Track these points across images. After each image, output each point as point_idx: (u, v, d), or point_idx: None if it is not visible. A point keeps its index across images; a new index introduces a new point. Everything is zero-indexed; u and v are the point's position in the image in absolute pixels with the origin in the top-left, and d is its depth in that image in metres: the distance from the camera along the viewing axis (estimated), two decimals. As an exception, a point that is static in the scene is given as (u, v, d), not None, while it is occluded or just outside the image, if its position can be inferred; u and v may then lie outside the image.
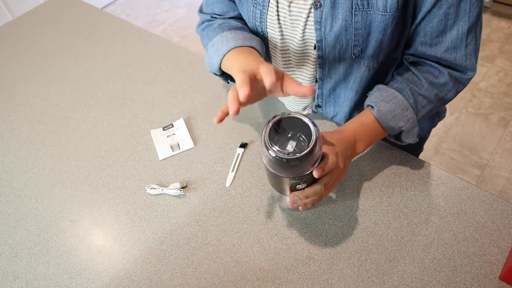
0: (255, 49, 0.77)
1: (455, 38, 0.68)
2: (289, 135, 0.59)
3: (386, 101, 0.72)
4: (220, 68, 0.79)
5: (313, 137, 0.57)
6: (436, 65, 0.72)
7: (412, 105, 0.72)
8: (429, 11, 0.66)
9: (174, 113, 1.01)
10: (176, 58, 1.18)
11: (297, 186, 0.64)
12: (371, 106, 0.74)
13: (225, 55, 0.76)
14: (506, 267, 0.64)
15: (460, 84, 0.74)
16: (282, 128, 0.59)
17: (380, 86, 0.76)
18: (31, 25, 1.43)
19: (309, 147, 0.56)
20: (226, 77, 0.84)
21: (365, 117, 0.74)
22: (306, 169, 0.60)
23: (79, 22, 1.40)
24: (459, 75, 0.72)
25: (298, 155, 0.56)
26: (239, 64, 0.71)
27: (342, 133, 0.72)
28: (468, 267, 0.67)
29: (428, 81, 0.72)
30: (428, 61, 0.73)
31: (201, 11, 0.90)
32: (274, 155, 0.57)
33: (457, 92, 0.75)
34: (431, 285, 0.66)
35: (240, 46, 0.75)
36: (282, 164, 0.58)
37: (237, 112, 0.58)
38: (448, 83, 0.72)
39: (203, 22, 0.88)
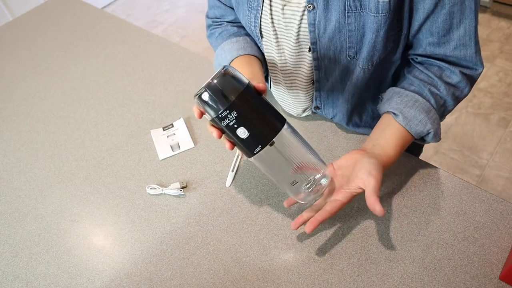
0: (253, 55, 0.82)
1: (463, 36, 0.68)
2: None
3: (409, 106, 0.71)
4: None
5: (221, 70, 0.60)
6: (446, 65, 0.72)
7: (434, 106, 0.71)
8: (431, 12, 0.66)
9: (174, 113, 1.01)
10: (176, 58, 1.18)
11: (237, 132, 0.60)
12: (394, 114, 0.72)
13: None
14: (506, 267, 0.64)
15: (472, 81, 0.74)
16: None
17: (397, 89, 0.75)
18: (31, 25, 1.43)
19: (211, 79, 0.59)
20: None
21: (395, 129, 0.72)
22: (216, 104, 0.59)
23: (79, 22, 1.40)
24: (470, 72, 0.72)
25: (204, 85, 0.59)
26: None
27: (383, 164, 0.69)
28: (468, 267, 0.67)
29: (443, 81, 0.72)
30: (437, 61, 0.73)
31: (207, 16, 0.95)
32: (196, 97, 0.60)
33: (470, 88, 0.75)
34: (431, 285, 0.66)
35: (236, 58, 0.81)
36: (199, 102, 0.60)
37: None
38: (462, 80, 0.72)
39: (208, 28, 0.95)
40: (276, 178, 0.67)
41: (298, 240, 0.73)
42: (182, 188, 0.84)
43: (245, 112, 0.59)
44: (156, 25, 3.06)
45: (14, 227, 0.84)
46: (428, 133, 0.72)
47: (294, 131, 0.65)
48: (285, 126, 0.63)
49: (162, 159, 0.91)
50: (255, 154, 0.62)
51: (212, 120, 0.61)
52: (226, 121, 0.59)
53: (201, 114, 0.62)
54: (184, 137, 0.94)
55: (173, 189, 0.83)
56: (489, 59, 2.31)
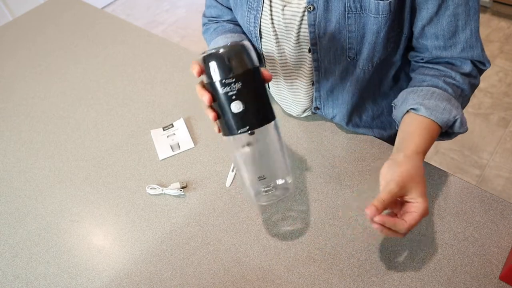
0: None
1: (470, 38, 0.68)
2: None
3: (427, 98, 0.68)
4: None
5: (237, 41, 0.59)
6: (456, 58, 0.71)
7: (452, 95, 0.69)
8: (435, 14, 0.66)
9: (174, 113, 1.01)
10: (176, 58, 1.18)
11: (231, 104, 0.58)
12: (414, 109, 0.69)
13: None
14: (506, 267, 0.64)
15: (481, 73, 0.73)
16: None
17: (410, 89, 0.72)
18: (31, 25, 1.43)
19: (228, 45, 0.58)
20: None
21: (421, 123, 0.67)
22: (228, 67, 0.58)
23: (79, 22, 1.40)
24: (479, 64, 0.72)
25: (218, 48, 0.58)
26: None
27: (414, 162, 0.63)
28: (468, 267, 0.67)
29: (457, 71, 0.70)
30: (446, 58, 0.72)
31: (203, 14, 0.95)
32: (205, 54, 0.59)
33: (479, 79, 0.73)
34: (431, 285, 0.66)
35: None
36: (206, 61, 0.58)
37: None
38: (474, 69, 0.71)
39: (203, 25, 0.95)
40: (242, 167, 0.65)
41: (298, 240, 0.74)
42: (182, 188, 0.84)
43: (248, 88, 0.59)
44: (156, 25, 3.06)
45: (14, 227, 0.84)
46: (455, 121, 0.68)
47: (278, 131, 0.64)
48: (274, 121, 0.63)
49: (162, 159, 0.91)
50: (238, 133, 0.60)
51: (212, 83, 0.59)
52: (227, 89, 0.58)
53: (201, 72, 0.60)
54: (184, 137, 0.94)
55: (173, 189, 0.83)
56: (489, 59, 2.31)
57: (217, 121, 0.62)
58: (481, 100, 2.11)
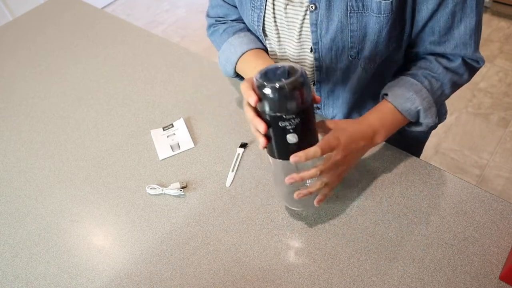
0: (262, 49, 0.83)
1: (463, 35, 0.69)
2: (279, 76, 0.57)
3: (399, 86, 0.72)
4: (236, 72, 0.86)
5: (299, 71, 0.56)
6: (449, 54, 0.73)
7: (427, 87, 0.71)
8: (435, 11, 0.66)
9: (174, 113, 1.01)
10: (176, 58, 1.18)
11: (288, 136, 0.57)
12: (386, 94, 0.74)
13: (236, 63, 0.83)
14: (506, 267, 0.64)
15: (472, 70, 0.74)
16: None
17: (396, 77, 0.76)
18: (31, 25, 1.43)
19: (293, 76, 0.55)
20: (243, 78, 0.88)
21: (383, 106, 0.73)
22: (292, 105, 0.55)
23: (79, 22, 1.40)
24: (471, 62, 0.73)
25: (281, 81, 0.54)
26: (250, 70, 0.79)
27: (360, 124, 0.70)
28: (468, 267, 0.67)
29: (442, 65, 0.73)
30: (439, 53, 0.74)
31: (207, 15, 0.94)
32: (259, 81, 0.55)
33: (470, 76, 0.75)
34: (431, 285, 0.66)
35: (246, 51, 0.81)
36: (266, 92, 0.55)
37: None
38: (461, 66, 0.72)
39: (209, 27, 0.93)
40: (282, 181, 0.66)
41: (298, 240, 0.74)
42: (182, 188, 0.84)
43: (305, 123, 0.58)
44: (156, 25, 3.06)
45: (14, 227, 0.84)
46: (417, 111, 0.72)
47: None
48: None
49: (162, 159, 0.91)
50: (288, 160, 0.60)
51: (271, 115, 0.56)
52: (286, 123, 0.56)
53: (258, 100, 0.57)
54: (184, 137, 0.94)
55: (173, 189, 0.83)
56: (489, 59, 2.31)
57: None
58: (481, 100, 2.11)
